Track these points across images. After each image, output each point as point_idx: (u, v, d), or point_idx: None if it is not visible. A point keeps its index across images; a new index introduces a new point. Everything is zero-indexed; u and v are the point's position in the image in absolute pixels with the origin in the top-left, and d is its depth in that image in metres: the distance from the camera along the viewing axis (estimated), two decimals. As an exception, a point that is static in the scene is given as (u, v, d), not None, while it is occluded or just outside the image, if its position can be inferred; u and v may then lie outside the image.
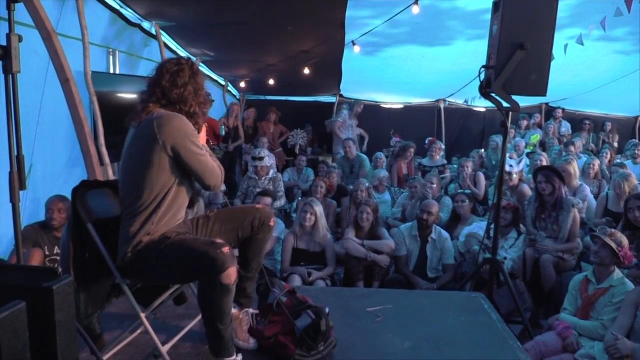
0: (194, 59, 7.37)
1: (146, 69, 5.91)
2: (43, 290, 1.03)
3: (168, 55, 6.15)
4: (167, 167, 2.14)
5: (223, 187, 6.95)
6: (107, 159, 4.33)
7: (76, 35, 4.17)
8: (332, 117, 9.54)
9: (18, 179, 2.03)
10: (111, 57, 5.20)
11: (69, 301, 1.08)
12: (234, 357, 2.28)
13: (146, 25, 5.53)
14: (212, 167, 2.23)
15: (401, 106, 10.35)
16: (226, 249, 2.07)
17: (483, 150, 8.83)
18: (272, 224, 2.55)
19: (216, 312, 2.15)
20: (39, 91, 3.99)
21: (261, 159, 6.01)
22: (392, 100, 10.18)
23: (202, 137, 2.39)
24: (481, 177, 6.27)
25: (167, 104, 2.23)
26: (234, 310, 2.63)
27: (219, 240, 2.12)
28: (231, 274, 2.06)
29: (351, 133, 9.01)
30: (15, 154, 2.03)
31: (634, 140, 8.69)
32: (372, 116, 9.99)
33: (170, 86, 2.23)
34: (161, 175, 2.15)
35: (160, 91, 2.23)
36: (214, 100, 7.39)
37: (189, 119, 2.22)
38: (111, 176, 4.36)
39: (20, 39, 1.99)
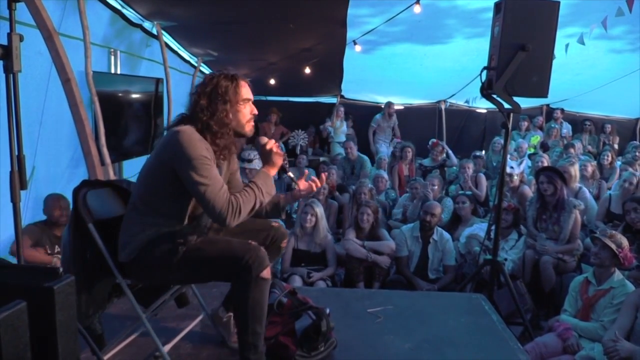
0: (195, 59, 7.38)
1: (147, 69, 5.91)
2: (44, 289, 1.03)
3: (169, 55, 6.15)
4: (173, 177, 2.09)
5: None
6: (107, 159, 4.33)
7: (77, 35, 4.17)
8: (329, 119, 9.48)
9: (19, 179, 2.03)
10: (112, 57, 5.20)
11: (70, 301, 1.08)
12: None
13: (147, 25, 5.52)
14: (213, 201, 2.03)
15: (402, 107, 10.35)
16: (262, 248, 2.13)
17: (483, 151, 8.82)
18: (283, 245, 2.53)
19: (257, 312, 2.13)
20: (42, 92, 3.99)
21: (250, 161, 5.89)
22: (393, 101, 10.17)
23: (277, 162, 2.29)
24: (482, 178, 6.27)
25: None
26: (226, 314, 2.63)
27: (253, 242, 2.14)
28: (269, 270, 2.13)
29: (389, 134, 9.06)
30: (16, 153, 2.03)
31: (634, 142, 8.67)
32: (373, 117, 9.98)
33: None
34: (168, 179, 2.11)
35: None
36: None
37: (209, 137, 2.16)
38: (112, 176, 4.36)
39: (21, 38, 1.99)
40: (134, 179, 2.62)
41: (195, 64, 7.54)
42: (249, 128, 2.30)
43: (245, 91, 2.27)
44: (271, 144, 2.27)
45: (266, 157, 2.28)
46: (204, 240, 2.19)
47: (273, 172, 2.29)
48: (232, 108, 2.22)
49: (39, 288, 1.03)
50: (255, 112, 2.32)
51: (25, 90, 2.04)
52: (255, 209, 2.15)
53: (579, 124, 9.67)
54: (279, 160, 2.30)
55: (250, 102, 2.30)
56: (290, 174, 2.49)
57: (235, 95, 2.22)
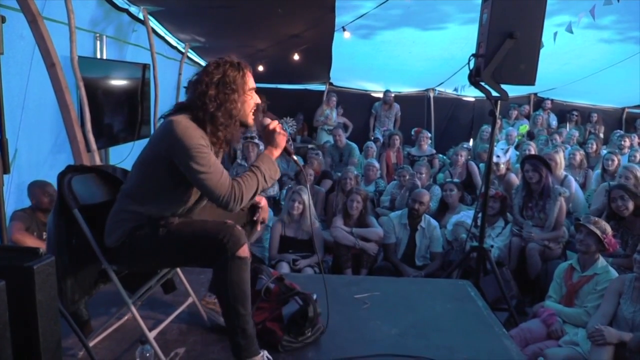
0: (182, 44, 7.30)
1: (134, 55, 5.83)
2: (24, 269, 1.01)
3: (156, 41, 6.07)
4: (171, 168, 2.07)
5: None
6: (93, 145, 4.28)
7: (62, 19, 4.10)
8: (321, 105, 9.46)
9: (1, 163, 2.00)
10: (98, 42, 5.12)
11: (50, 281, 1.07)
12: (260, 354, 2.17)
13: (133, 9, 5.44)
14: (215, 188, 2.03)
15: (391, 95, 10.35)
16: (239, 226, 2.09)
17: (471, 140, 8.85)
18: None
19: (237, 293, 2.06)
20: (24, 76, 3.92)
21: (252, 137, 6.05)
22: (382, 89, 10.17)
23: (280, 143, 2.27)
24: (473, 166, 6.31)
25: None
26: (213, 298, 2.62)
27: (229, 221, 2.11)
28: (246, 249, 2.07)
29: (391, 123, 9.10)
30: (-1, 137, 2.00)
31: (619, 131, 8.74)
32: (362, 105, 9.97)
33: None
34: (164, 171, 2.09)
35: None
36: None
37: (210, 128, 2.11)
38: (98, 162, 4.31)
39: (4, 20, 1.96)
40: (120, 166, 2.60)
41: (183, 50, 7.46)
42: (251, 118, 2.27)
43: (251, 80, 2.25)
44: (274, 125, 2.27)
45: (269, 138, 2.26)
46: (181, 222, 2.18)
47: (277, 153, 2.26)
48: (240, 98, 2.18)
49: (19, 267, 1.01)
50: (259, 101, 2.29)
51: (7, 74, 2.00)
52: (257, 193, 2.16)
53: (566, 113, 9.73)
54: (282, 142, 2.27)
55: (254, 91, 2.28)
56: (295, 158, 2.47)
57: (243, 85, 2.19)
